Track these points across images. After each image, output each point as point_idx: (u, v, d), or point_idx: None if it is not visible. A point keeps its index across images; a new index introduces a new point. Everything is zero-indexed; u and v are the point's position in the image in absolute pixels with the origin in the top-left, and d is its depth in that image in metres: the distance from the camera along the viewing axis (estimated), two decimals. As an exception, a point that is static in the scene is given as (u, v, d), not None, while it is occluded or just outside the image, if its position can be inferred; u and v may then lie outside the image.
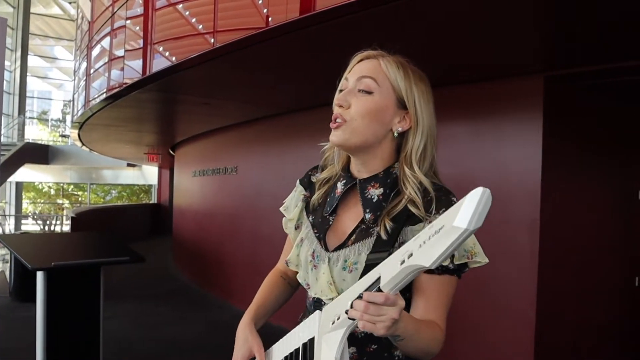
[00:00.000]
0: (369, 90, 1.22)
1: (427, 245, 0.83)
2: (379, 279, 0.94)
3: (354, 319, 0.97)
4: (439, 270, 1.14)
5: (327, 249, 1.26)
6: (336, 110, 1.25)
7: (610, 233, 4.16)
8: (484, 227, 0.75)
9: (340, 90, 1.28)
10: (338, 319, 1.03)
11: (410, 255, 0.87)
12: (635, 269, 4.34)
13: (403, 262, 0.88)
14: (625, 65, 3.16)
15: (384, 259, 0.95)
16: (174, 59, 4.16)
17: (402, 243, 1.08)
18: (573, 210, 3.74)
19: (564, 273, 3.66)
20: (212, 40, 3.60)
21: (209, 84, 4.62)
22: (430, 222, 1.11)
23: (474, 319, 3.72)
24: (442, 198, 1.16)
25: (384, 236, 1.16)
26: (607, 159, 4.10)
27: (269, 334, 1.37)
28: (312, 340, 1.12)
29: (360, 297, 0.95)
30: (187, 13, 4.09)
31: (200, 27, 3.81)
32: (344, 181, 1.30)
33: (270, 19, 3.00)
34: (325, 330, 1.07)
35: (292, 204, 1.43)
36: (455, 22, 2.67)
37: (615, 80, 3.53)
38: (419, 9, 2.49)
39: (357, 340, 1.21)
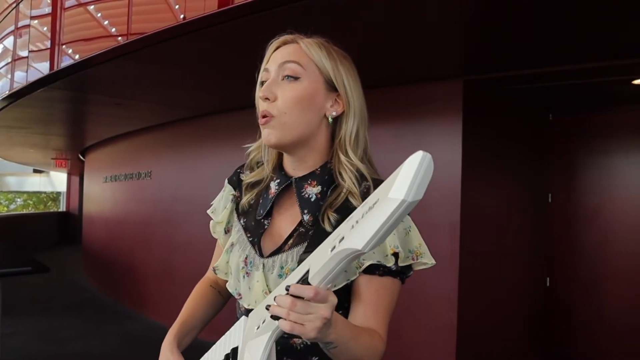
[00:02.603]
0: (295, 75, 1.11)
1: (359, 225, 0.72)
2: (308, 271, 0.80)
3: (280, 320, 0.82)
4: (380, 271, 1.05)
5: (261, 255, 1.14)
6: (262, 105, 1.12)
7: (525, 234, 4.29)
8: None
9: (262, 83, 1.15)
10: (263, 322, 0.89)
11: (342, 239, 0.74)
12: (547, 269, 4.49)
13: (334, 247, 0.75)
14: (538, 71, 3.32)
15: None
16: (84, 60, 3.91)
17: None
18: (491, 212, 3.84)
19: (484, 275, 3.74)
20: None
21: (120, 82, 4.42)
22: None
23: (394, 323, 3.67)
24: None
25: (329, 230, 1.04)
26: (522, 162, 4.25)
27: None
28: (235, 350, 0.98)
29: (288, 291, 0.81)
30: (99, 15, 3.86)
31: (113, 30, 3.60)
32: (278, 180, 1.19)
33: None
34: (250, 337, 0.93)
35: (221, 206, 1.30)
36: (376, 27, 2.68)
37: (529, 87, 3.65)
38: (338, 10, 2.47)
39: (296, 352, 1.09)
